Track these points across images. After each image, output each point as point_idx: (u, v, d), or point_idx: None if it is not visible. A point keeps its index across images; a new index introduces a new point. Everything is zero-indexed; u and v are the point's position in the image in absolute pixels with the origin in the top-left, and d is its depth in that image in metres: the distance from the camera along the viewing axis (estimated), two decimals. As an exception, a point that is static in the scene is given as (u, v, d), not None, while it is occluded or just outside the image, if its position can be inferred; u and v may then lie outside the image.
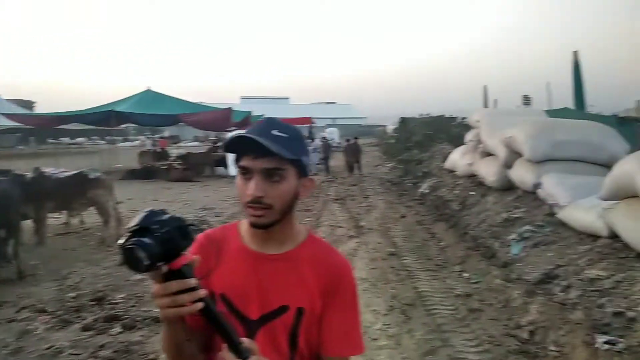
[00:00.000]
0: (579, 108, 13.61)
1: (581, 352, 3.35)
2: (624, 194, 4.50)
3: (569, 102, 14.45)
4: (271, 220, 1.15)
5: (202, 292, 1.02)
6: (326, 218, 9.75)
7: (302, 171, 1.20)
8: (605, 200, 4.79)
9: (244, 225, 1.26)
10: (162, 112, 18.05)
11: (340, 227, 8.83)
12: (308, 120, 35.66)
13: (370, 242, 7.53)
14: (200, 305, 1.00)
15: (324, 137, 24.16)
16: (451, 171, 10.86)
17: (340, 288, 1.22)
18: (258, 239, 1.22)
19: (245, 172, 1.15)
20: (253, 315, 1.18)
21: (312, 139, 27.96)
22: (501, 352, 3.67)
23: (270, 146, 1.09)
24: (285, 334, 1.18)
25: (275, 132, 1.15)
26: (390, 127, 33.14)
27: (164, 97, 18.78)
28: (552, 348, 3.57)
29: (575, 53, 14.32)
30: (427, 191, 11.01)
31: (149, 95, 18.48)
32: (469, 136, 9.90)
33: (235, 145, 1.16)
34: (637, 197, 4.22)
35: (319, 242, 1.30)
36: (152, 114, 18.10)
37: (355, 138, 20.42)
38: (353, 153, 18.98)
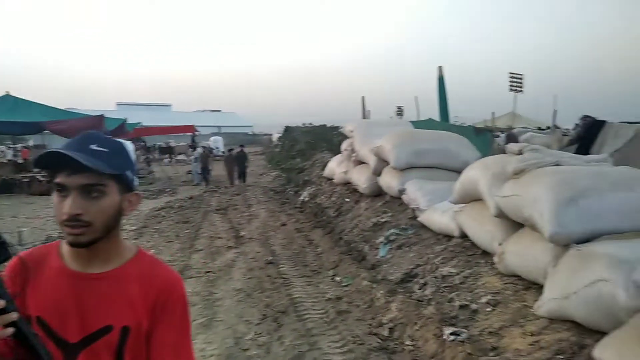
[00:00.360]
0: (443, 119, 14.92)
1: (432, 344, 3.68)
2: (470, 198, 5.04)
3: (435, 114, 15.77)
4: (92, 238, 1.13)
5: (14, 315, 0.97)
6: (206, 229, 9.54)
7: (126, 186, 1.19)
8: (455, 203, 5.33)
9: (65, 244, 1.22)
10: (24, 119, 16.39)
11: (219, 237, 8.70)
12: (191, 128, 34.64)
13: (250, 252, 7.54)
14: (11, 330, 0.95)
15: (204, 147, 23.74)
16: (329, 179, 11.26)
17: (169, 303, 1.22)
18: (80, 258, 1.19)
19: (62, 189, 1.11)
20: (73, 338, 1.14)
21: (195, 148, 27.25)
22: (363, 350, 3.90)
23: (86, 161, 1.07)
24: (109, 355, 1.16)
25: (94, 147, 1.13)
26: (276, 136, 33.43)
27: (26, 103, 17.05)
28: (408, 342, 3.88)
29: (440, 68, 15.68)
30: (307, 199, 11.29)
31: (9, 101, 16.67)
32: (344, 145, 10.37)
33: (49, 161, 1.13)
34: (481, 200, 4.75)
35: (148, 259, 1.29)
36: (12, 121, 16.34)
37: (241, 146, 20.30)
38: (238, 162, 18.87)
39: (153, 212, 11.74)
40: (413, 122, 11.82)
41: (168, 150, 32.72)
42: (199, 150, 21.25)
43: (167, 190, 16.93)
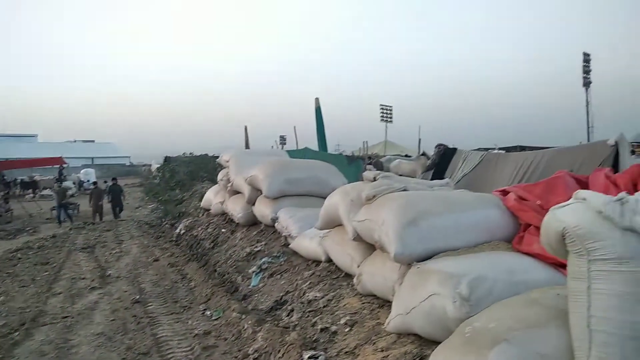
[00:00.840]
0: (322, 148, 15.48)
1: (293, 370, 3.73)
2: (333, 223, 5.24)
3: (315, 143, 16.28)
4: None
5: None
6: (68, 270, 8.76)
7: None
8: (320, 229, 5.51)
9: None
10: None
11: (83, 278, 8.04)
12: (58, 160, 31.96)
13: (116, 292, 7.05)
14: None
15: (59, 184, 22.29)
16: (207, 210, 11.03)
17: None
18: None
19: None
20: None
21: (61, 182, 25.07)
22: (226, 384, 3.83)
23: None
24: None
25: None
26: (155, 166, 32.03)
27: None
28: (271, 371, 3.89)
29: (317, 100, 16.34)
30: (183, 231, 10.91)
31: None
32: (220, 175, 10.26)
33: None
34: (342, 225, 4.97)
35: None
36: None
37: (114, 179, 19.16)
38: (113, 196, 17.81)
39: (7, 254, 10.53)
40: (289, 152, 12.10)
41: (32, 185, 29.70)
42: (56, 186, 19.79)
43: (27, 229, 15.33)
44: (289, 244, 6.59)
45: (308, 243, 5.97)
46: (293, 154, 11.62)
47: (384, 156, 18.41)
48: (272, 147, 21.50)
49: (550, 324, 2.29)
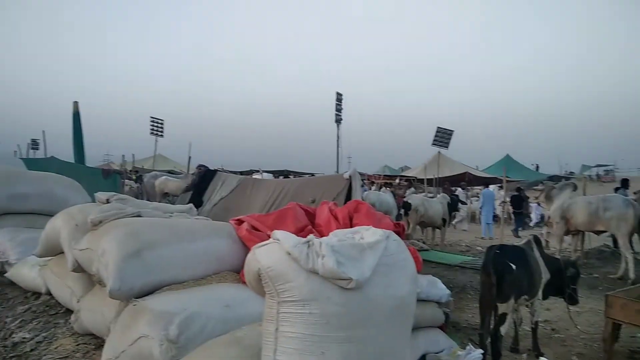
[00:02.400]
0: (78, 158, 13.74)
1: None
2: (55, 250, 4.52)
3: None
4: None
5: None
6: None
7: None
8: (40, 256, 4.72)
9: None
10: None
11: None
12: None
13: None
14: None
15: None
16: None
17: None
18: None
19: None
20: None
21: None
22: None
23: None
24: None
25: None
26: None
27: None
28: None
29: (76, 104, 14.52)
30: None
31: None
32: None
33: None
34: (64, 253, 4.31)
35: None
36: None
37: None
38: None
39: None
40: (29, 160, 10.39)
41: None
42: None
43: None
44: (4, 272, 5.50)
45: (28, 271, 5.07)
46: (34, 163, 9.99)
47: (151, 171, 17.41)
48: (16, 152, 18.32)
49: (247, 365, 2.26)
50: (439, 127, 23.38)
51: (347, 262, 2.03)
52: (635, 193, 9.50)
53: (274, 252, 2.09)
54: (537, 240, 4.99)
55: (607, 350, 4.72)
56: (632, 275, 8.19)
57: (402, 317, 2.21)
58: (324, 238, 2.19)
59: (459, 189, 21.61)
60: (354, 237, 2.31)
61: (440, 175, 25.50)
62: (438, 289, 4.05)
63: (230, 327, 2.79)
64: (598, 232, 9.37)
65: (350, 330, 1.99)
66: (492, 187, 19.19)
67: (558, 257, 5.08)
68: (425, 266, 7.39)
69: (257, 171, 21.06)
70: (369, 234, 2.33)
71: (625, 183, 11.57)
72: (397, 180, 24.62)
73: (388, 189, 19.05)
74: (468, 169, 27.62)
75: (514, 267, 4.22)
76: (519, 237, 14.92)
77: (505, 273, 4.18)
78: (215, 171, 8.93)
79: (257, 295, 3.28)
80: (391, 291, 2.13)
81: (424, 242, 9.41)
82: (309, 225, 4.18)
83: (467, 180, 26.07)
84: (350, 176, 6.70)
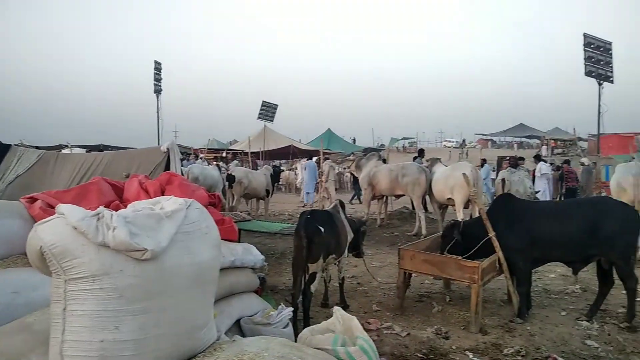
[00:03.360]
0: None
1: None
2: None
3: None
4: None
5: None
6: None
7: None
8: None
9: None
10: None
11: None
12: None
13: None
14: None
15: None
16: None
17: None
18: None
19: None
20: None
21: None
22: None
23: None
24: None
25: None
26: None
27: None
28: None
29: None
30: None
31: None
32: None
33: None
34: None
35: None
36: None
37: None
38: None
39: None
40: None
41: None
42: None
43: None
44: None
45: None
46: None
47: None
48: None
49: (33, 352, 2.08)
50: (264, 101, 23.86)
51: (142, 232, 1.98)
52: (427, 160, 11.01)
53: (58, 228, 1.94)
54: (342, 204, 5.50)
55: (400, 296, 5.47)
56: (424, 231, 9.56)
57: (203, 283, 2.25)
58: (120, 210, 2.10)
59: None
60: (153, 207, 2.26)
61: (266, 149, 26.10)
62: (252, 255, 4.19)
63: (19, 314, 2.52)
64: (397, 196, 10.67)
65: (147, 302, 1.96)
66: (314, 158, 20.31)
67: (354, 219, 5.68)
68: (248, 235, 7.60)
69: (66, 146, 18.81)
70: (169, 203, 2.30)
71: (421, 153, 13.31)
72: (224, 154, 24.49)
73: (214, 162, 18.81)
74: (293, 142, 28.81)
75: (322, 229, 4.59)
76: (352, 203, 16.30)
77: (315, 235, 4.52)
78: (8, 146, 7.72)
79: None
80: (190, 259, 2.14)
81: (248, 213, 9.60)
82: (116, 200, 3.93)
83: (291, 152, 27.18)
84: (167, 149, 6.44)
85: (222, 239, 2.62)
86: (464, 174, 5.55)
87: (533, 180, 12.40)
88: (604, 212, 4.86)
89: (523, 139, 52.60)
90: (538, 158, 14.57)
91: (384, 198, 11.00)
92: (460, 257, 4.96)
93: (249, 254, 4.21)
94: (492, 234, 4.97)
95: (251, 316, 3.92)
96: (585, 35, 9.56)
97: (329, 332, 2.68)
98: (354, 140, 45.66)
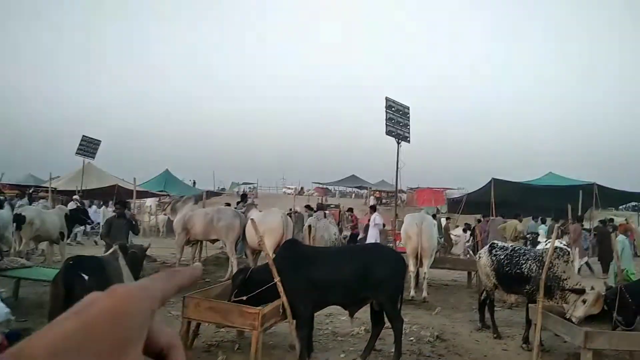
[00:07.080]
0: None
1: None
2: None
3: None
4: None
5: None
6: None
7: None
8: None
9: None
10: None
11: None
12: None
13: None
14: None
15: None
16: None
17: None
18: None
19: None
20: None
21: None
22: None
23: None
24: None
25: None
26: None
27: None
28: None
29: None
30: None
31: None
32: None
33: None
34: None
35: None
36: None
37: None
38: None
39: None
40: None
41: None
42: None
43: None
44: None
45: None
46: None
47: None
48: None
49: None
50: (84, 136, 21.90)
51: None
52: (244, 205, 11.05)
53: None
54: (123, 249, 5.11)
55: (187, 347, 5.17)
56: (234, 276, 9.40)
57: None
58: None
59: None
60: None
61: (88, 188, 23.79)
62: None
63: None
64: (213, 241, 10.43)
65: None
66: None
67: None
68: (32, 284, 6.66)
69: None
70: None
71: (244, 197, 13.36)
72: (31, 190, 21.68)
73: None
74: (119, 182, 26.74)
75: (86, 277, 4.16)
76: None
77: (75, 284, 4.07)
78: None
79: None
80: None
81: (27, 259, 8.40)
82: None
83: (116, 192, 25.18)
84: None
85: None
86: (251, 219, 5.60)
87: (366, 229, 13.18)
88: (375, 258, 5.28)
89: (354, 189, 56.63)
90: (373, 209, 15.59)
91: (199, 243, 10.67)
92: (242, 304, 4.90)
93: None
94: (277, 279, 5.03)
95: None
96: (387, 99, 10.77)
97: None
98: (194, 182, 44.32)
